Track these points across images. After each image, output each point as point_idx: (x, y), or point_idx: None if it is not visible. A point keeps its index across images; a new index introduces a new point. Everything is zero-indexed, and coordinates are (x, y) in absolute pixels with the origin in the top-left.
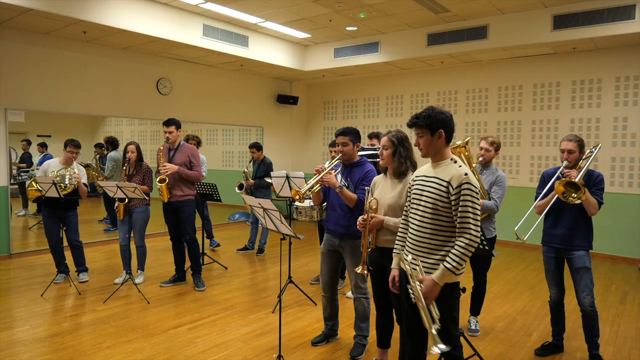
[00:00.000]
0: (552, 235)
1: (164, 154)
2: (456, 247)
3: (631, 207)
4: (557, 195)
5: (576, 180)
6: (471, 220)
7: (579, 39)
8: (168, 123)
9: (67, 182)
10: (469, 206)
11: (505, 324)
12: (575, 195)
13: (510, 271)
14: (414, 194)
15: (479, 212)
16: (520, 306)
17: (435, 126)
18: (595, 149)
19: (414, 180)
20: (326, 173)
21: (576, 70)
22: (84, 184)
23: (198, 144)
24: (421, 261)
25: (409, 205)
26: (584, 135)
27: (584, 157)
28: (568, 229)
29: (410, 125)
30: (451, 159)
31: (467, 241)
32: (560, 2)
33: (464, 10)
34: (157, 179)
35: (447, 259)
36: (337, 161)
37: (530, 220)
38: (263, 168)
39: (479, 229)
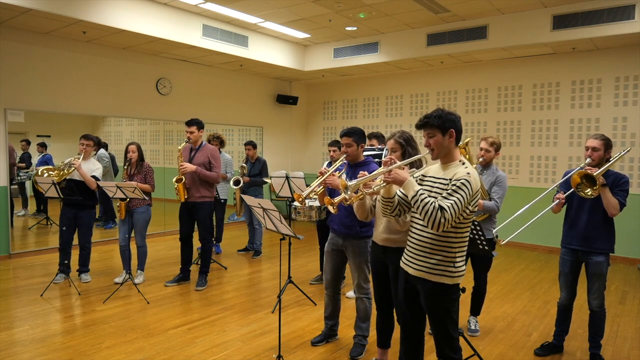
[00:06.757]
0: (571, 236)
1: (185, 153)
2: (433, 200)
3: (631, 207)
4: (573, 192)
5: (595, 174)
6: (450, 207)
7: (579, 39)
8: (190, 123)
9: (64, 169)
10: (455, 197)
11: (505, 324)
12: (589, 192)
13: (510, 271)
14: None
15: (459, 208)
16: (520, 306)
17: (446, 126)
18: (624, 151)
19: (423, 180)
20: (329, 175)
21: (576, 70)
22: (93, 176)
23: (221, 143)
24: (422, 261)
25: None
26: (584, 135)
27: (611, 157)
28: (587, 229)
29: (421, 125)
30: (460, 161)
31: (438, 210)
32: (560, 2)
33: (463, 10)
34: (174, 179)
35: (424, 192)
36: (341, 162)
37: (519, 222)
38: (258, 166)
39: (450, 218)
